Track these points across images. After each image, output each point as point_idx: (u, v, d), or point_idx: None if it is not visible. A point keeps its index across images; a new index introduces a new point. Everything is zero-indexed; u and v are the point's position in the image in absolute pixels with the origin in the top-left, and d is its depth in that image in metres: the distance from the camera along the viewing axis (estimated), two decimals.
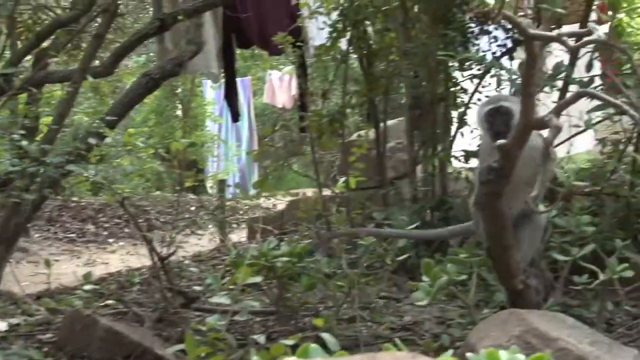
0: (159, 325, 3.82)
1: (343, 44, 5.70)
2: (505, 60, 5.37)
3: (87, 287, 4.05)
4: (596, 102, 3.66)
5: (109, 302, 4.36)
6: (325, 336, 2.35)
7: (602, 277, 3.19)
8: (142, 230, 4.27)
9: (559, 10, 2.54)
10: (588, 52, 4.25)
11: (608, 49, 2.59)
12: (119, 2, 5.47)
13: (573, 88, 4.51)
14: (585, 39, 2.59)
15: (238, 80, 12.88)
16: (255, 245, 3.81)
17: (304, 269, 3.52)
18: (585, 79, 4.19)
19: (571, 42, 2.52)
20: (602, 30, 2.51)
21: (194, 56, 5.75)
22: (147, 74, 5.34)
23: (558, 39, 2.46)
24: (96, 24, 5.66)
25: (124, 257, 7.22)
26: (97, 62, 5.83)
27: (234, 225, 10.07)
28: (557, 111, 2.65)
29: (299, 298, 3.57)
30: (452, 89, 5.32)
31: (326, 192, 5.85)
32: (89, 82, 5.11)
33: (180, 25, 5.76)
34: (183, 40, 5.82)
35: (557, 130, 2.47)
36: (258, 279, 3.16)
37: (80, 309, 3.69)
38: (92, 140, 4.03)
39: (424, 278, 3.05)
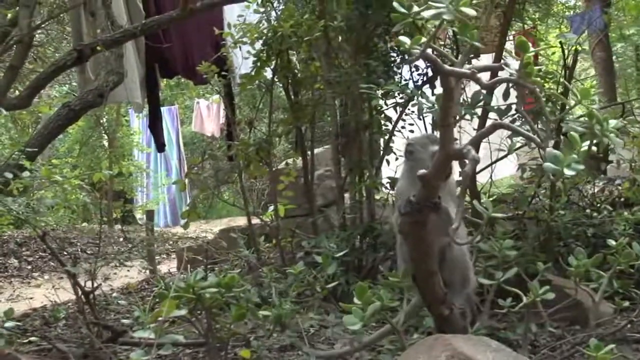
0: None
1: (269, 73, 5.71)
2: (426, 89, 5.50)
3: (9, 324, 3.88)
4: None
5: (33, 339, 4.22)
6: None
7: (525, 300, 3.26)
8: (64, 264, 4.13)
9: (476, 43, 2.60)
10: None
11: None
12: (38, 31, 5.34)
13: (492, 115, 4.65)
14: (497, 78, 2.67)
15: (165, 109, 12.73)
16: (182, 276, 3.73)
17: (234, 298, 3.47)
18: (503, 107, 4.32)
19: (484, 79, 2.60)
20: (516, 64, 2.58)
21: (115, 86, 5.66)
22: (67, 104, 5.23)
23: (472, 77, 2.52)
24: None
25: (49, 292, 6.98)
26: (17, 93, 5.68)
27: (164, 256, 9.89)
28: (475, 142, 2.71)
29: (229, 329, 3.50)
30: (377, 117, 5.39)
31: (255, 220, 5.82)
32: (6, 113, 4.95)
33: (101, 56, 5.66)
34: (103, 71, 5.71)
35: (475, 161, 2.52)
36: (183, 312, 3.10)
37: (0, 348, 3.53)
38: (8, 174, 3.89)
39: (356, 302, 3.04)
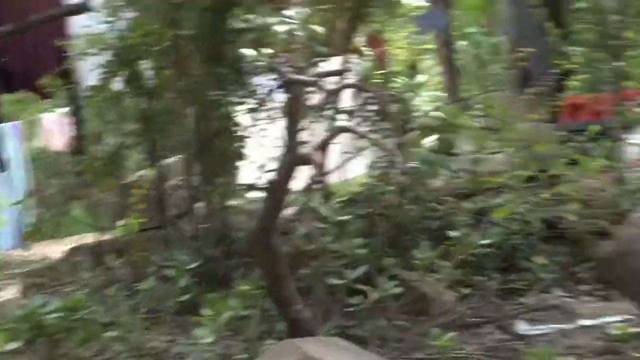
0: None
1: (118, 83, 5.53)
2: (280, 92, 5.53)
3: None
4: None
5: None
6: None
7: (372, 296, 3.35)
8: None
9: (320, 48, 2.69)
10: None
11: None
12: None
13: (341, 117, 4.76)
14: (340, 85, 2.77)
15: (8, 125, 12.04)
16: (22, 303, 3.52)
17: (80, 321, 3.32)
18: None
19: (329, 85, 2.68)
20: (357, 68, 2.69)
21: None
22: None
23: (315, 84, 2.59)
24: None
25: None
26: None
27: (7, 281, 9.29)
28: (321, 147, 2.78)
29: (74, 354, 3.33)
30: (229, 124, 5.35)
31: (107, 236, 5.62)
32: None
33: None
34: None
35: (320, 166, 2.59)
36: (16, 345, 2.92)
37: None
38: None
39: (206, 314, 3.00)
